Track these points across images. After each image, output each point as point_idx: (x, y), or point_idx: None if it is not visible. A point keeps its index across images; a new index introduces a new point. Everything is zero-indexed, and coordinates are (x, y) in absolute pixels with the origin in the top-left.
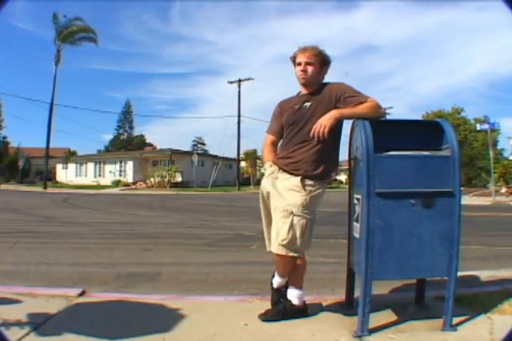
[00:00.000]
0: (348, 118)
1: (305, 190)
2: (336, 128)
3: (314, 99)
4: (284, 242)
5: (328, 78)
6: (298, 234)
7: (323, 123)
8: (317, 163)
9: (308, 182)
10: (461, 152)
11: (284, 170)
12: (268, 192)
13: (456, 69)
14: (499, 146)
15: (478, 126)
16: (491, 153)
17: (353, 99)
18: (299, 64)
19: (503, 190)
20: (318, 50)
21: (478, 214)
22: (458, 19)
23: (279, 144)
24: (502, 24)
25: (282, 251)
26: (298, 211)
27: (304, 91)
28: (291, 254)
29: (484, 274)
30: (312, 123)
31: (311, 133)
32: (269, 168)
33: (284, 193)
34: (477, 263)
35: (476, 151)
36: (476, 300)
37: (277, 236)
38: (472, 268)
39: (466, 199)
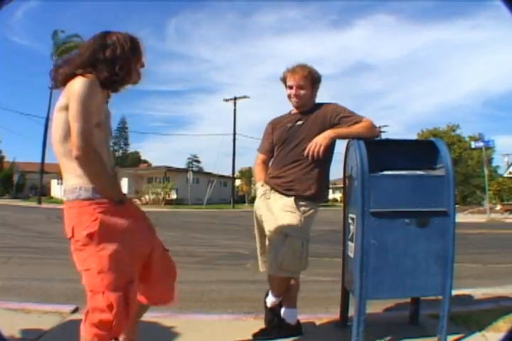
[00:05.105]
0: (343, 138)
1: (299, 210)
2: (330, 148)
3: (307, 118)
4: (283, 264)
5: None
6: (295, 255)
7: (319, 142)
8: (310, 182)
9: (302, 202)
10: (456, 170)
11: (276, 191)
12: (261, 215)
13: (451, 87)
14: (494, 163)
15: (473, 144)
16: (486, 171)
17: (348, 119)
18: (291, 87)
19: (498, 207)
20: (307, 69)
21: (473, 231)
22: (452, 37)
23: (270, 163)
24: (495, 42)
25: (281, 273)
26: (294, 232)
27: (296, 110)
28: (289, 276)
29: (479, 292)
30: (305, 143)
31: (306, 152)
32: (260, 188)
33: (278, 215)
34: (472, 281)
35: (471, 169)
36: (471, 318)
37: (275, 259)
38: (467, 286)
39: (461, 217)
